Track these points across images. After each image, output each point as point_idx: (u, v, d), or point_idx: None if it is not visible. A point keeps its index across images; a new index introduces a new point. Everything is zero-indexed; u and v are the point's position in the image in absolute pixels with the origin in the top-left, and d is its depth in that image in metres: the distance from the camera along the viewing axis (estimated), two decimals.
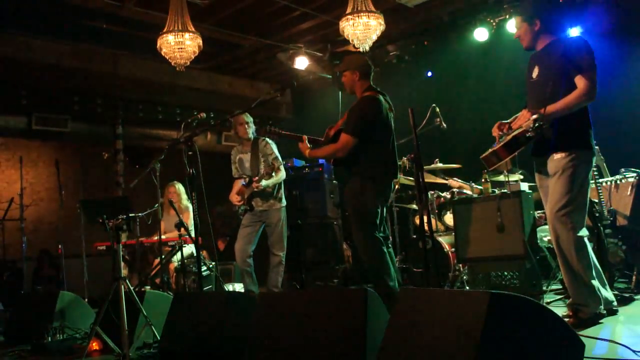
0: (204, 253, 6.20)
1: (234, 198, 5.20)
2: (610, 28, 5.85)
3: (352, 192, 4.09)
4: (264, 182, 4.95)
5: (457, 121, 6.27)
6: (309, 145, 4.31)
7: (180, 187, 6.50)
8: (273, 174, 4.91)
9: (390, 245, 4.20)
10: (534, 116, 3.17)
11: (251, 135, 5.26)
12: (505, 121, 3.57)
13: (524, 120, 3.30)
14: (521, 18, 3.47)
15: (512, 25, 6.26)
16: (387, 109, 4.14)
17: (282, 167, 5.17)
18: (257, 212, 5.13)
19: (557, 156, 3.29)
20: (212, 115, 8.06)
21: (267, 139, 5.23)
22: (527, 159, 3.68)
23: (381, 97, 4.13)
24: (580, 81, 3.21)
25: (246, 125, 5.21)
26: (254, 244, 5.12)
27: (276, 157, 5.16)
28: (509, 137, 3.33)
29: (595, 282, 3.28)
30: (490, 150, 3.46)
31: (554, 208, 3.27)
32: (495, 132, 3.55)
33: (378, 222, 4.04)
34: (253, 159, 5.18)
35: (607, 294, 3.40)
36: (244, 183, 5.18)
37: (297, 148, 4.41)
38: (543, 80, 3.37)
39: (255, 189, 4.99)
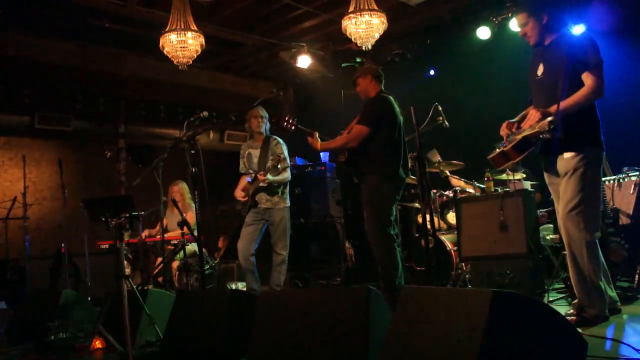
0: (205, 251, 6.20)
1: (239, 194, 5.21)
2: (613, 26, 5.83)
3: (370, 189, 4.22)
4: (270, 177, 4.96)
5: (459, 120, 6.25)
6: (319, 140, 4.44)
7: (184, 186, 6.51)
8: (279, 166, 4.92)
9: (399, 245, 4.28)
10: (549, 118, 3.10)
11: (263, 131, 5.28)
12: (513, 120, 3.50)
13: (533, 119, 3.22)
14: (527, 14, 3.40)
15: (514, 24, 6.24)
16: (398, 110, 4.33)
17: (288, 169, 5.20)
18: (260, 209, 5.13)
19: (567, 155, 3.25)
20: (215, 114, 8.05)
21: (279, 140, 5.27)
22: (530, 158, 3.66)
23: (391, 99, 4.35)
24: (587, 78, 3.17)
25: (260, 119, 5.25)
26: (256, 242, 5.12)
27: (285, 159, 5.16)
28: (518, 137, 3.28)
29: (603, 284, 3.26)
30: (498, 150, 3.41)
31: (566, 208, 3.23)
32: (503, 131, 3.50)
33: (392, 219, 4.16)
34: (262, 155, 5.20)
35: (611, 293, 3.40)
36: (250, 180, 5.18)
37: (302, 147, 4.46)
38: (550, 78, 3.32)
39: (261, 183, 4.99)
